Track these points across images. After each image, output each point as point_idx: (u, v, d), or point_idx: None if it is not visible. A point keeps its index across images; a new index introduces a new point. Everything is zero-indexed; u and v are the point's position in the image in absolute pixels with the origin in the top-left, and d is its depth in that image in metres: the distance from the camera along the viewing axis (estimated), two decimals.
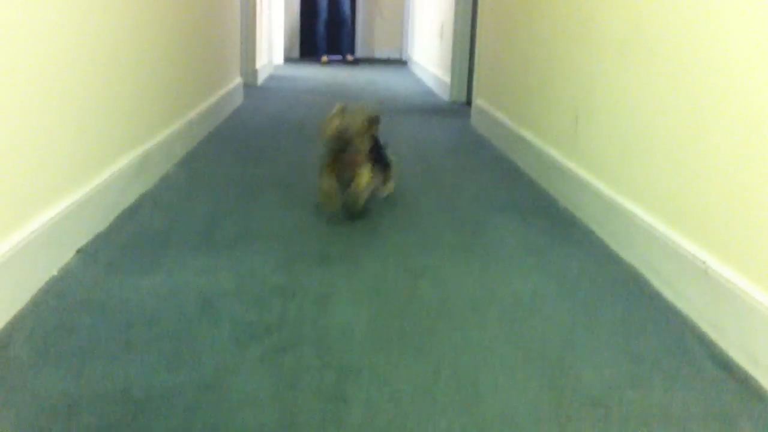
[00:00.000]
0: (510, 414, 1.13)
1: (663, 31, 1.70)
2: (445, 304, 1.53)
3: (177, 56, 2.77)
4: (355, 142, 2.01)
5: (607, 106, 2.04)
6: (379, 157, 2.19)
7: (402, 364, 1.27)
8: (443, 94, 5.25)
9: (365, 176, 2.04)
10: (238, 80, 4.39)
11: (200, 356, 1.26)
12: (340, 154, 2.02)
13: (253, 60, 5.31)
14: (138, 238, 1.85)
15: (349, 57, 8.11)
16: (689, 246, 1.54)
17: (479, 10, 4.01)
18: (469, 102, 4.71)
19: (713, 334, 1.41)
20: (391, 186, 2.35)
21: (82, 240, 1.76)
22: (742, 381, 1.26)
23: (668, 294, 1.60)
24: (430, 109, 4.62)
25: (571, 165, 2.33)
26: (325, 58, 7.97)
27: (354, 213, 2.09)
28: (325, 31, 7.92)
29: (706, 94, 1.49)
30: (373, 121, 2.08)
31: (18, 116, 1.44)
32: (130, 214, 2.04)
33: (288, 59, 8.21)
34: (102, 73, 1.91)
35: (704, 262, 1.47)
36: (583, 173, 2.21)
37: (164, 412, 1.09)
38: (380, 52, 9.27)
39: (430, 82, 6.08)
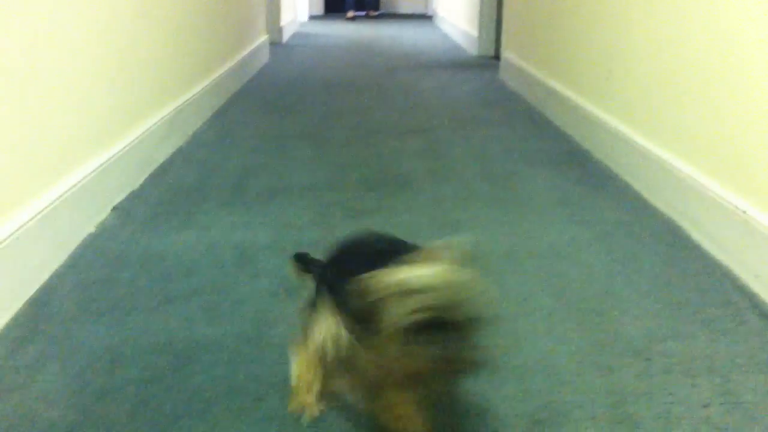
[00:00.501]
0: (550, 363, 1.12)
1: None
2: (480, 256, 1.52)
3: (205, 13, 2.75)
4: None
5: (641, 53, 2.00)
6: None
7: None
8: (471, 49, 5.19)
9: None
10: (264, 38, 4.36)
11: (239, 309, 1.27)
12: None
13: (278, 17, 5.28)
14: (172, 194, 1.86)
15: (372, 12, 8.04)
16: (728, 195, 1.52)
17: None
18: (497, 56, 4.65)
19: (755, 285, 1.39)
20: None
21: (117, 197, 1.77)
22: None
23: (708, 244, 1.58)
24: (457, 64, 4.57)
25: (604, 115, 2.29)
26: (350, 13, 7.92)
27: None
28: None
29: (742, 40, 1.45)
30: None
31: (54, 74, 1.44)
32: (162, 172, 2.05)
33: (313, 16, 8.15)
34: (133, 30, 1.90)
35: (744, 211, 1.44)
36: (617, 123, 2.18)
37: (206, 364, 1.10)
38: (405, 7, 9.16)
39: (456, 37, 6.00)
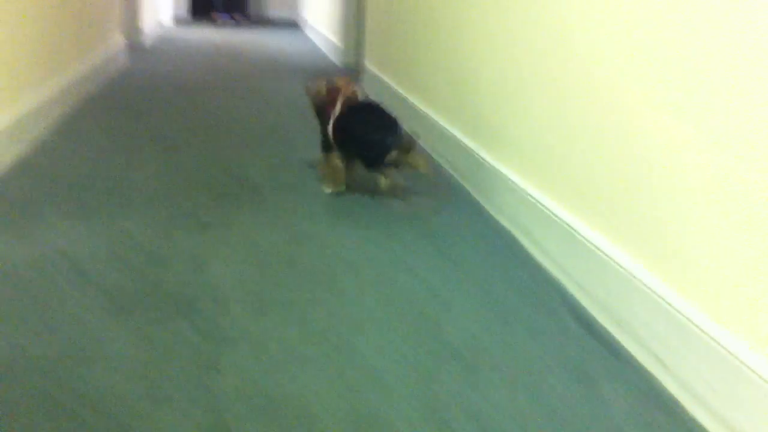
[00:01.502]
0: (378, 375, 1.15)
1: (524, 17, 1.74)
2: (323, 268, 1.54)
3: (51, 11, 2.65)
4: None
5: (487, 68, 2.08)
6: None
7: (276, 328, 1.28)
8: (336, 59, 5.23)
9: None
10: (119, 39, 4.24)
11: (69, 327, 1.24)
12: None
13: (136, 19, 5.14)
14: (9, 206, 1.78)
15: (236, 16, 7.99)
16: (558, 209, 1.61)
17: None
18: (358, 68, 4.71)
19: (579, 295, 1.48)
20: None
21: None
22: (603, 340, 1.33)
23: (536, 254, 1.67)
24: (320, 72, 4.59)
25: (453, 130, 2.37)
26: (215, 15, 7.85)
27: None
28: None
29: (577, 50, 1.55)
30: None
31: None
32: (2, 182, 1.96)
33: (179, 20, 7.99)
34: None
35: (570, 225, 1.53)
36: (464, 138, 2.26)
37: (29, 382, 1.06)
38: (274, 12, 9.12)
39: (323, 46, 6.04)
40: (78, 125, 2.69)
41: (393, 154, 1.93)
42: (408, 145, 1.94)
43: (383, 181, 2.04)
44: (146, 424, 1.00)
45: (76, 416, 1.00)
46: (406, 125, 2.92)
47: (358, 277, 1.51)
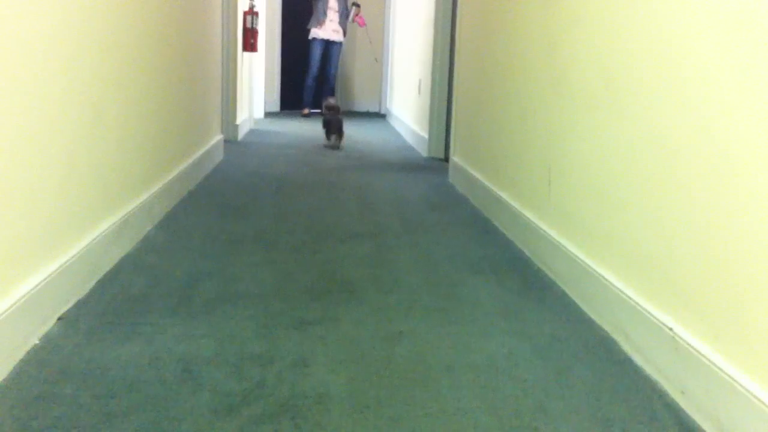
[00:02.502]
0: None
1: (633, 84, 1.77)
2: (422, 370, 1.56)
3: (160, 116, 2.82)
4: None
5: (578, 164, 2.11)
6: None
7: (376, 430, 1.30)
8: (421, 150, 5.34)
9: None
10: (218, 137, 4.44)
11: (179, 426, 1.28)
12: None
13: (234, 116, 5.38)
14: (118, 303, 1.88)
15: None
16: (657, 312, 1.59)
17: (456, 67, 4.11)
18: (447, 158, 4.79)
19: (680, 400, 1.45)
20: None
21: (63, 307, 1.79)
22: None
23: (638, 359, 1.65)
24: (408, 165, 4.69)
25: (544, 225, 2.39)
26: (306, 110, 8.14)
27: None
28: (314, 85, 8.07)
29: (678, 151, 1.56)
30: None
31: (0, 180, 1.48)
32: (110, 279, 2.07)
33: (268, 113, 8.31)
34: (85, 133, 1.96)
35: (671, 329, 1.51)
36: (555, 234, 2.27)
37: None
38: (360, 105, 9.40)
39: (408, 137, 6.17)
40: (180, 222, 2.82)
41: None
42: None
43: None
44: None
45: None
46: (497, 220, 2.95)
47: (456, 380, 1.52)
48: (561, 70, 2.27)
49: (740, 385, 1.27)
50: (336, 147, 5.46)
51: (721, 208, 1.36)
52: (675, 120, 1.54)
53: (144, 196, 2.58)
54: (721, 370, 1.33)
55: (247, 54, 6.17)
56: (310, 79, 8.01)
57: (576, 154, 2.12)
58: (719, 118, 1.37)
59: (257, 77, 7.23)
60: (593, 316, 1.91)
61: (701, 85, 1.44)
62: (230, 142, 5.30)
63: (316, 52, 7.91)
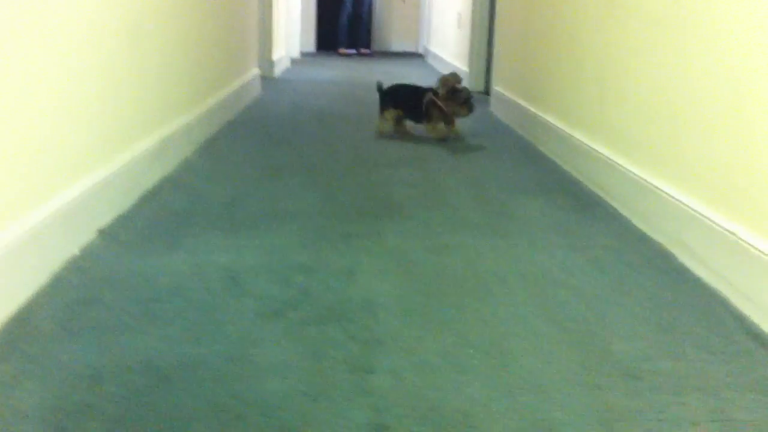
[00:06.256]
0: (539, 381, 1.10)
1: (703, 6, 1.66)
2: (471, 279, 1.50)
3: (197, 43, 2.76)
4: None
5: (635, 81, 2.01)
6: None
7: (428, 336, 1.25)
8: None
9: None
10: (255, 71, 4.38)
11: (224, 329, 1.25)
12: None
13: (269, 52, 5.31)
14: (160, 218, 1.84)
15: (363, 50, 8.14)
16: (719, 219, 1.51)
17: None
18: (487, 91, 4.68)
19: (745, 308, 1.38)
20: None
21: (104, 220, 1.75)
22: None
23: (698, 269, 1.57)
24: None
25: (595, 144, 2.29)
26: (342, 50, 8.03)
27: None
28: (348, 24, 7.94)
29: (737, 68, 1.46)
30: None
31: (43, 93, 1.43)
32: (151, 196, 2.03)
33: (304, 53, 8.21)
34: (125, 54, 1.90)
35: (734, 233, 1.43)
36: (607, 152, 2.18)
37: (188, 383, 1.07)
38: (397, 46, 9.24)
39: (448, 72, 6.05)
40: (219, 147, 2.77)
41: (431, 111, 3.07)
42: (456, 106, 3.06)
43: (429, 129, 3.13)
44: (307, 422, 0.98)
45: (239, 417, 1.00)
46: (543, 145, 2.86)
47: (509, 289, 1.46)
48: None
49: None
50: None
51: None
52: (739, 39, 1.44)
53: (183, 121, 2.53)
54: None
55: None
56: (345, 17, 7.87)
57: (636, 70, 2.01)
58: None
59: (294, 15, 7.12)
60: (648, 232, 1.83)
61: None
62: (267, 78, 5.23)
63: None
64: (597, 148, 2.26)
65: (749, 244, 1.38)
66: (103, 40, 1.76)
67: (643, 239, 1.79)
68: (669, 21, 1.78)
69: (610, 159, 2.13)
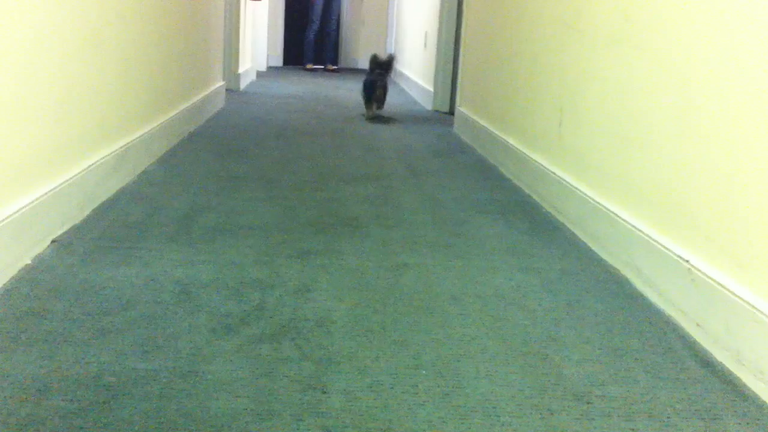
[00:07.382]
0: (491, 404, 1.11)
1: (654, 21, 1.70)
2: (427, 299, 1.51)
3: (160, 53, 2.74)
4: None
5: (593, 104, 2.04)
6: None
7: (382, 356, 1.24)
8: (426, 104, 5.25)
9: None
10: (220, 83, 4.36)
11: (176, 344, 1.23)
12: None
13: (235, 65, 5.29)
14: (115, 230, 1.82)
15: (330, 66, 8.15)
16: (672, 246, 1.54)
17: (464, 19, 4.02)
18: (452, 112, 4.71)
19: (695, 333, 1.40)
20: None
21: (58, 230, 1.73)
22: (725, 379, 1.25)
23: (650, 294, 1.59)
24: (412, 117, 4.61)
25: (553, 168, 2.32)
26: (309, 65, 8.02)
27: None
28: (315, 40, 7.94)
29: (689, 91, 1.49)
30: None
31: None
32: (107, 208, 2.00)
33: (271, 66, 8.19)
34: (82, 61, 1.88)
35: (687, 261, 1.46)
36: (565, 176, 2.20)
37: (137, 398, 1.06)
38: (364, 63, 9.27)
39: (413, 92, 6.08)
40: (179, 159, 2.75)
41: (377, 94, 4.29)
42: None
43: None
44: None
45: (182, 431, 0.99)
46: (504, 167, 2.88)
47: (464, 310, 1.47)
48: (575, 9, 2.19)
49: (764, 314, 1.21)
50: (373, 117, 4.37)
51: (740, 140, 1.29)
52: (695, 54, 1.47)
53: (143, 132, 2.51)
54: (742, 299, 1.27)
55: (251, 3, 6.05)
56: (311, 33, 7.87)
57: (590, 93, 2.05)
58: (740, 53, 1.30)
59: (260, 29, 7.11)
60: (604, 256, 1.86)
61: (727, 24, 1.36)
62: (232, 91, 5.20)
63: (318, 5, 7.77)
64: (555, 171, 2.29)
65: (701, 271, 1.40)
66: (57, 45, 1.74)
67: (598, 263, 1.81)
68: (621, 40, 1.81)
69: (568, 182, 2.15)
